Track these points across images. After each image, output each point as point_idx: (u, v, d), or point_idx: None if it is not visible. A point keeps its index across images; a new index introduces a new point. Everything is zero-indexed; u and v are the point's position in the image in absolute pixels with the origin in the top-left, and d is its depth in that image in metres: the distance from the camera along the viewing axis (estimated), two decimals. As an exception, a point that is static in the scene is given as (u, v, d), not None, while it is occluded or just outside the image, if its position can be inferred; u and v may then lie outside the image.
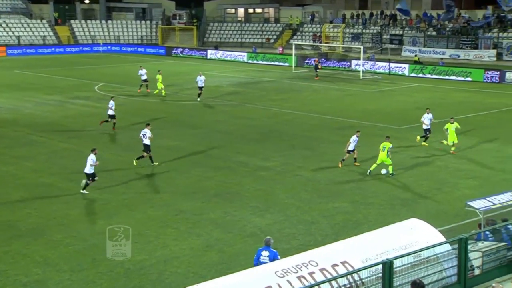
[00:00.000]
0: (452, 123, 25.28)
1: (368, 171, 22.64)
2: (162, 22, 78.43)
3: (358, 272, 11.23)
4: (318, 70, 48.77)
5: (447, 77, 46.78)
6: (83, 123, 31.97)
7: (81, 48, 72.58)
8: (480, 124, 30.59)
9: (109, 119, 30.14)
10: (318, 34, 67.37)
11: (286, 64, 56.70)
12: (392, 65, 50.89)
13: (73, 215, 18.74)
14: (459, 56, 55.71)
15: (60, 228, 17.68)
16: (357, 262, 11.66)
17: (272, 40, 71.02)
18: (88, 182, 20.52)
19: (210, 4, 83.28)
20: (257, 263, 13.06)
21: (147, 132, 23.86)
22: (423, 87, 43.24)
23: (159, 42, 75.10)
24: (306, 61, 55.89)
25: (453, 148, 25.19)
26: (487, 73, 45.29)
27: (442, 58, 54.75)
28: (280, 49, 64.49)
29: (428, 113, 26.70)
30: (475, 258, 13.39)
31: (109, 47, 73.06)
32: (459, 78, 46.27)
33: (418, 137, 26.74)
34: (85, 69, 55.91)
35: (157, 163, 23.94)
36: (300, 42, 64.05)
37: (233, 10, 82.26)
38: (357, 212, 18.95)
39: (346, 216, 18.62)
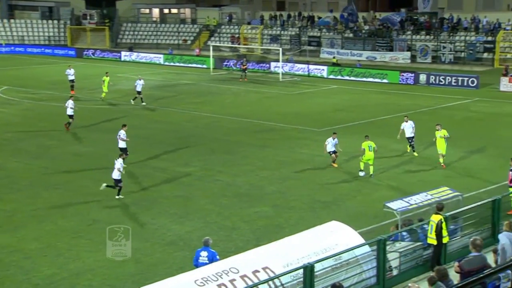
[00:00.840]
0: (438, 130, 23.63)
1: (360, 172, 22.54)
2: (71, 22, 75.40)
3: (280, 278, 11.18)
4: (245, 72, 48.18)
5: (364, 79, 47.69)
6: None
7: (-21, 49, 68.71)
8: (397, 126, 31.11)
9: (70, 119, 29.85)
10: (236, 35, 67.26)
11: (204, 66, 56.11)
12: (311, 67, 51.42)
13: (-25, 229, 17.51)
14: (375, 58, 57.07)
15: (-41, 244, 16.46)
16: (278, 267, 11.61)
17: (189, 42, 70.18)
18: (115, 187, 19.86)
19: (122, 4, 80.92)
20: (197, 264, 12.97)
21: (121, 133, 23.79)
22: (341, 89, 43.90)
23: (68, 43, 72.42)
24: (225, 63, 55.60)
25: (441, 160, 23.62)
26: (403, 75, 46.50)
27: (359, 60, 55.91)
28: (198, 50, 63.84)
29: (406, 121, 25.35)
30: (393, 259, 13.56)
31: (12, 48, 69.35)
32: (376, 80, 47.29)
33: (408, 148, 25.60)
34: (-15, 72, 53.00)
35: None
36: (218, 44, 63.71)
37: (147, 10, 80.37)
38: (278, 216, 18.78)
39: (267, 220, 18.41)
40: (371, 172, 22.57)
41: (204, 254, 12.98)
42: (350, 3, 63.16)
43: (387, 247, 13.20)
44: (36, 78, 48.77)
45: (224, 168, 23.79)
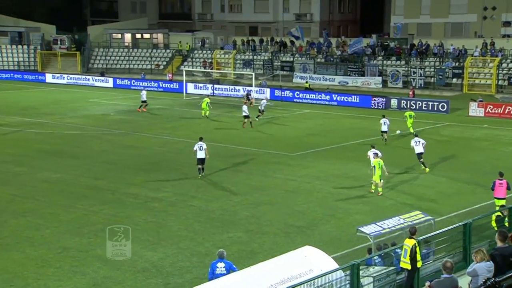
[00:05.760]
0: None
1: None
2: (41, 47, 74.74)
3: (253, 305, 10.96)
4: (250, 99, 47.35)
5: (337, 104, 48.03)
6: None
7: None
8: (368, 150, 31.33)
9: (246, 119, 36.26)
10: (209, 60, 67.43)
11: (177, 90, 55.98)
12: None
13: None
14: (347, 83, 57.57)
15: None
16: (252, 294, 11.37)
17: (161, 66, 70.09)
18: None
19: (94, 29, 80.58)
20: (213, 276, 13.06)
21: (203, 144, 25.37)
22: (314, 114, 44.11)
23: (38, 68, 71.69)
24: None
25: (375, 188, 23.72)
26: (374, 100, 46.98)
27: (328, 87, 56.29)
28: (170, 75, 63.72)
29: (419, 139, 26.89)
30: (367, 284, 13.47)
31: (-19, 73, 68.39)
32: (348, 104, 47.66)
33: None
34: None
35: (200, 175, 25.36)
36: (190, 69, 63.67)
37: (119, 35, 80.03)
38: (252, 241, 18.61)
39: (240, 246, 18.22)
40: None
41: (221, 265, 13.29)
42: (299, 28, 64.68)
43: (361, 272, 13.13)
44: (5, 104, 48.00)
45: (197, 193, 23.58)
